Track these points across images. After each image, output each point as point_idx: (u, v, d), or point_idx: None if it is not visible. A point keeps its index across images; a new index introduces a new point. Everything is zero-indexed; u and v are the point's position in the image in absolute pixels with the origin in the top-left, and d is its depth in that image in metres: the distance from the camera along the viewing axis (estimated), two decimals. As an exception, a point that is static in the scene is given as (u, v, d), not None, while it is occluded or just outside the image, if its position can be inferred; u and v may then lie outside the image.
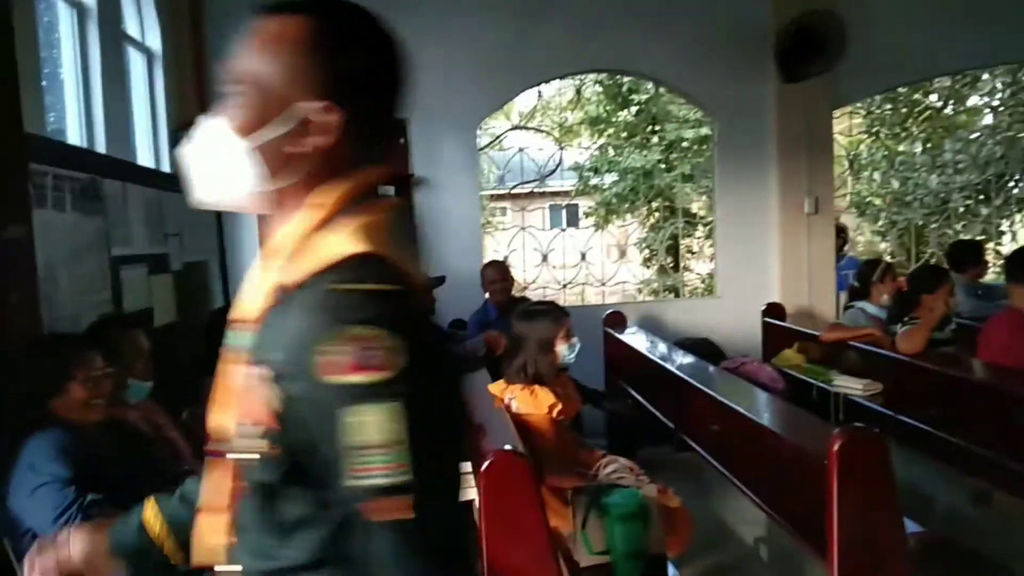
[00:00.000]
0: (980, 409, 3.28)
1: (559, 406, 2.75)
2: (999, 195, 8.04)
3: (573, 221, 11.59)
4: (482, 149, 5.83)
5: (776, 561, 3.50)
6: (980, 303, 4.57)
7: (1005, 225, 8.58)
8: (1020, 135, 8.26)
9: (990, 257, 6.61)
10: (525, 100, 6.69)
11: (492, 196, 7.69)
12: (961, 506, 3.76)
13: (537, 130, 6.88)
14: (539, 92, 6.16)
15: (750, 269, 5.48)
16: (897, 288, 4.05)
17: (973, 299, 4.67)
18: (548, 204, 11.31)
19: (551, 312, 2.97)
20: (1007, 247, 7.86)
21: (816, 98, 5.29)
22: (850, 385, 3.90)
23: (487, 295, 4.53)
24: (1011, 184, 8.54)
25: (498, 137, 6.62)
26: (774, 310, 5.02)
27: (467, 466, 2.13)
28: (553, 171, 6.20)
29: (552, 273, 6.11)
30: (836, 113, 5.89)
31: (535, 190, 6.60)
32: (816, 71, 5.02)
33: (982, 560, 2.44)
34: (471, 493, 2.10)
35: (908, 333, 3.68)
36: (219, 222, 4.74)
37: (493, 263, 4.76)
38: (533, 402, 2.75)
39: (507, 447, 2.06)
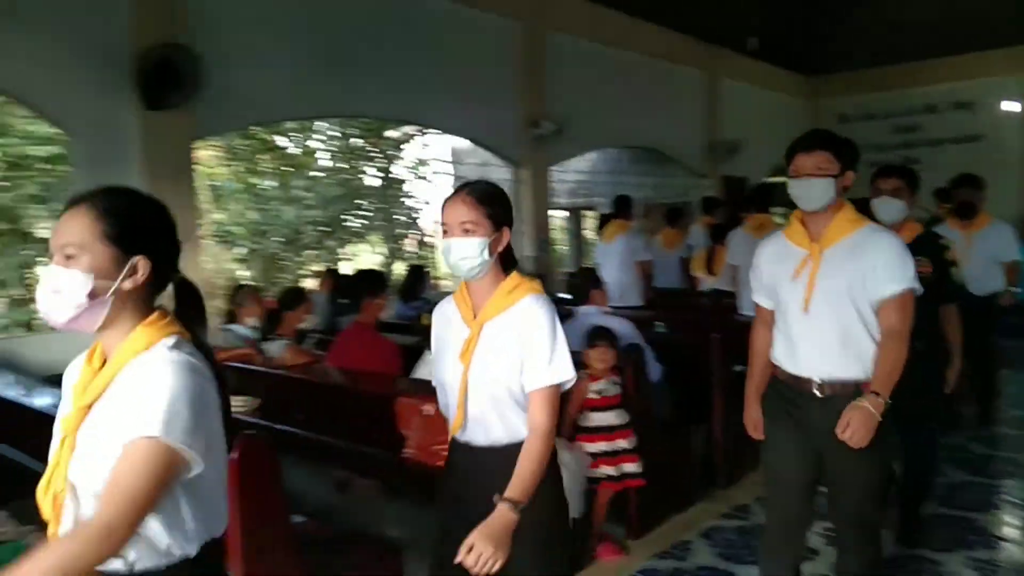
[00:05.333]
0: (337, 407, 3.86)
1: None
2: (339, 228, 9.37)
3: None
4: None
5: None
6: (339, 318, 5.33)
7: (344, 253, 10.02)
8: (348, 177, 9.80)
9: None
10: None
11: None
12: (328, 495, 4.31)
13: None
14: None
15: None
16: (266, 309, 4.44)
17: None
18: None
19: None
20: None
21: (178, 128, 5.34)
22: (233, 404, 4.09)
23: None
24: (344, 220, 10.05)
25: None
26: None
27: None
28: None
29: None
30: (198, 144, 6.03)
31: None
32: (175, 102, 5.11)
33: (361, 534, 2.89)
34: None
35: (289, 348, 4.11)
36: None
37: None
38: None
39: None
